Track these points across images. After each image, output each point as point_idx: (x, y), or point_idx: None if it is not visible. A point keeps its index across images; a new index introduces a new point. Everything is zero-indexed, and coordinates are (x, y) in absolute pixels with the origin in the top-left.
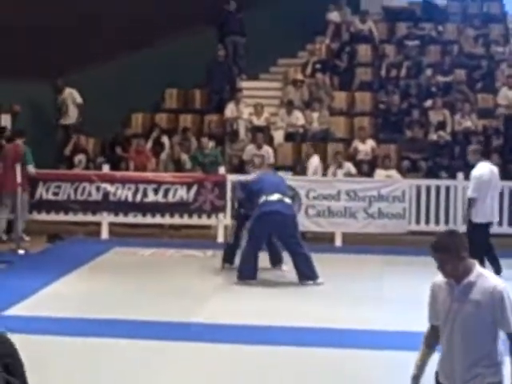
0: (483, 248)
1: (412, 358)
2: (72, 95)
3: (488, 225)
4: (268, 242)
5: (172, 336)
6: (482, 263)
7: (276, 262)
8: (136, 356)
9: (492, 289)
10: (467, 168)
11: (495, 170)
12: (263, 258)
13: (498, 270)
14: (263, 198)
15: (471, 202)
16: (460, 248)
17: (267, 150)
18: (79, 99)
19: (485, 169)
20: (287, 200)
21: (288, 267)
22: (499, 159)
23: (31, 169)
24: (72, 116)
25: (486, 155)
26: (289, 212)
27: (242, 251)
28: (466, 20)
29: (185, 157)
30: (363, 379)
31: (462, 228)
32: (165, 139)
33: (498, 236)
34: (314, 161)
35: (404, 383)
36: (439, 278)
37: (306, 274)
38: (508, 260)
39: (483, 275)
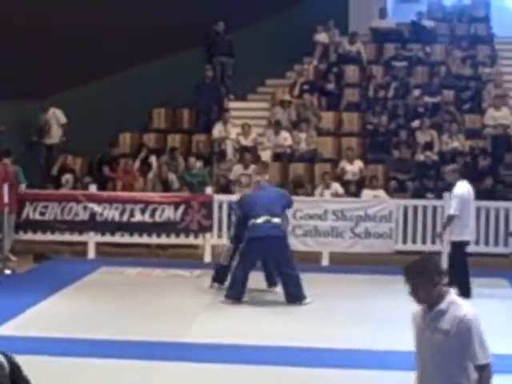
0: (466, 266)
1: (400, 377)
2: (55, 115)
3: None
4: (264, 263)
5: (160, 356)
6: (467, 283)
7: (271, 284)
8: (124, 376)
9: (461, 318)
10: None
11: (471, 189)
12: (256, 279)
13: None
14: (251, 221)
15: (450, 220)
16: (433, 273)
17: (254, 169)
18: (63, 119)
19: (465, 188)
20: (275, 220)
21: (280, 289)
22: (491, 180)
23: (23, 188)
24: (55, 136)
25: (468, 176)
26: (278, 233)
27: (233, 272)
28: (454, 41)
29: (172, 176)
30: None
31: (448, 248)
32: (152, 159)
33: (483, 255)
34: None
35: None
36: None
37: (294, 295)
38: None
39: (455, 303)
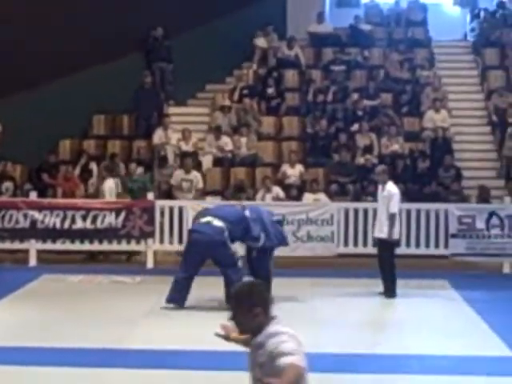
0: (394, 267)
1: (337, 380)
2: None
3: None
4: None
5: (101, 362)
6: (393, 284)
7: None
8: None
9: (273, 350)
10: None
11: None
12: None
13: (393, 291)
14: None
15: (394, 218)
16: (255, 302)
17: (195, 174)
18: None
19: (396, 187)
20: (216, 223)
21: None
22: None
23: None
24: None
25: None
26: (212, 232)
27: (176, 275)
28: (392, 45)
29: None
30: None
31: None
32: (93, 166)
33: (424, 257)
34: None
35: None
36: None
37: None
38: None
39: (273, 335)
